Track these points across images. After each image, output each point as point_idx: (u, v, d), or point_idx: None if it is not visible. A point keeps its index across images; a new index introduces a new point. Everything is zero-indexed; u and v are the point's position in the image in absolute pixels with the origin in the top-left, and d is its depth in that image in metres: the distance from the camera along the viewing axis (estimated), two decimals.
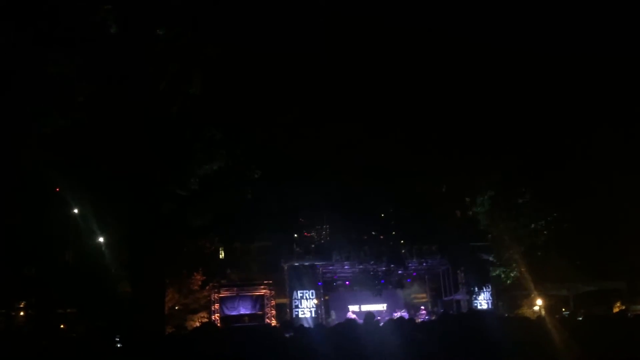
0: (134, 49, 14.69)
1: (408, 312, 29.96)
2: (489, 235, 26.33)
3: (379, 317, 18.76)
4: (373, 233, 24.89)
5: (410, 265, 29.35)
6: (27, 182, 17.76)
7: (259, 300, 29.35)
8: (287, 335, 9.45)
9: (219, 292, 29.08)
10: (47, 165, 15.95)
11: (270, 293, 29.53)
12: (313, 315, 27.54)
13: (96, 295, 24.01)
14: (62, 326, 27.31)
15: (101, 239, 23.52)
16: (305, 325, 21.24)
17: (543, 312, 25.54)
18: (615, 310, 27.75)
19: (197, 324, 29.02)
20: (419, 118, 17.05)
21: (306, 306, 27.90)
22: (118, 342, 9.42)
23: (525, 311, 28.27)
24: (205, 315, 29.81)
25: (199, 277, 29.13)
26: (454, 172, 20.36)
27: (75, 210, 22.61)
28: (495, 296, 29.14)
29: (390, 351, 9.65)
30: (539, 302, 28.21)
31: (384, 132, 16.97)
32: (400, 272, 29.21)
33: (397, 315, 26.50)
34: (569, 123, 18.16)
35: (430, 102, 17.25)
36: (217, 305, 28.89)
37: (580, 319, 16.92)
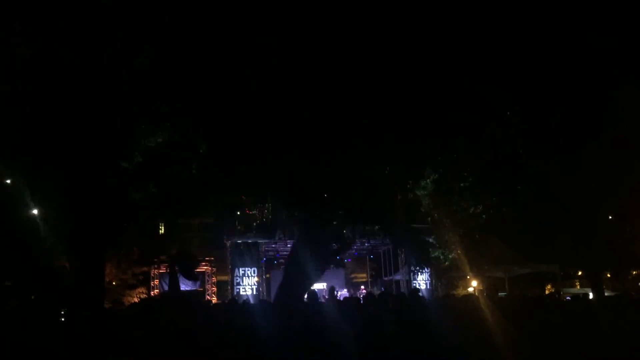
0: (76, 14, 14.11)
1: (349, 291, 30.44)
2: (430, 218, 26.83)
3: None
4: (317, 213, 24.89)
5: (352, 245, 29.73)
6: None
7: (200, 277, 29.15)
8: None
9: (158, 268, 28.68)
10: None
11: (212, 270, 29.38)
12: (254, 292, 27.60)
13: (30, 269, 23.20)
14: None
15: (35, 211, 22.63)
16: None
17: (476, 293, 26.36)
18: (547, 292, 29.07)
19: (135, 300, 28.58)
20: (366, 103, 17.01)
21: (247, 284, 27.92)
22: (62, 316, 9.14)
23: (460, 292, 29.09)
24: (144, 290, 29.39)
25: (138, 252, 28.57)
26: (401, 156, 20.53)
27: (8, 181, 21.61)
28: (434, 277, 29.94)
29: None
30: (474, 283, 29.15)
31: (333, 114, 16.84)
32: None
33: (339, 294, 26.86)
34: (512, 113, 18.62)
35: (378, 86, 17.23)
36: (156, 281, 28.51)
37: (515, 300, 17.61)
